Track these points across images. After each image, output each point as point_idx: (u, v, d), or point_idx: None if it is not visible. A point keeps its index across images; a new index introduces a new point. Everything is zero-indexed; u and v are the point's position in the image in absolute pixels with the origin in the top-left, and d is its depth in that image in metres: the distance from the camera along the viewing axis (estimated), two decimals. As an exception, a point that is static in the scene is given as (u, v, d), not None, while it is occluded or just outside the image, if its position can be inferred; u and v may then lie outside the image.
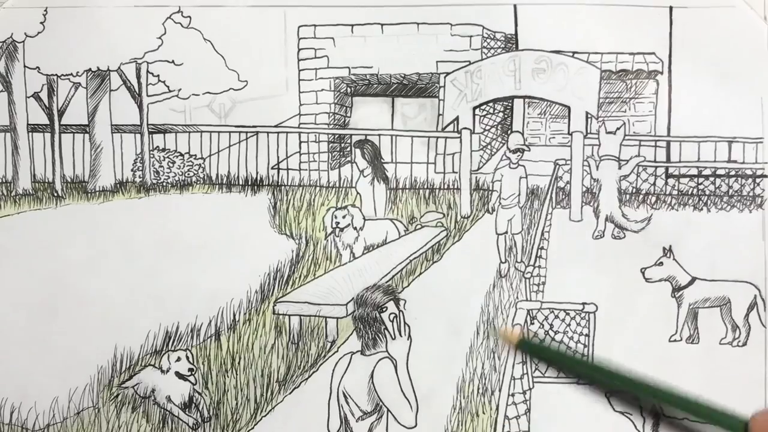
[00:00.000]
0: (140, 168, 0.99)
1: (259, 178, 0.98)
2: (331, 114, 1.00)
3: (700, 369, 0.91)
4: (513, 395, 0.90)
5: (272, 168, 0.98)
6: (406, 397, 0.87)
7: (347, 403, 0.88)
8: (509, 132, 0.99)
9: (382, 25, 0.96)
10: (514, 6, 0.94)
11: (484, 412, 0.91)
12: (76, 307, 0.93)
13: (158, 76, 0.97)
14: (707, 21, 0.94)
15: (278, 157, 0.98)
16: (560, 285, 0.93)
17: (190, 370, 0.92)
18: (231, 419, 0.92)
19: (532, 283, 0.95)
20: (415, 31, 0.95)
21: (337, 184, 0.99)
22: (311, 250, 0.98)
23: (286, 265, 0.97)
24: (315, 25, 0.96)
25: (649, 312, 0.92)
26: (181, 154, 0.98)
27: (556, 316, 0.93)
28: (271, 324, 0.95)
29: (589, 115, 0.97)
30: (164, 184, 0.98)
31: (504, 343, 0.92)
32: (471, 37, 0.96)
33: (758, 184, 0.94)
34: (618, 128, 0.96)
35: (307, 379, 0.93)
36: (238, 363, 0.93)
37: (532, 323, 0.93)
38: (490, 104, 0.99)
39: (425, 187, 0.99)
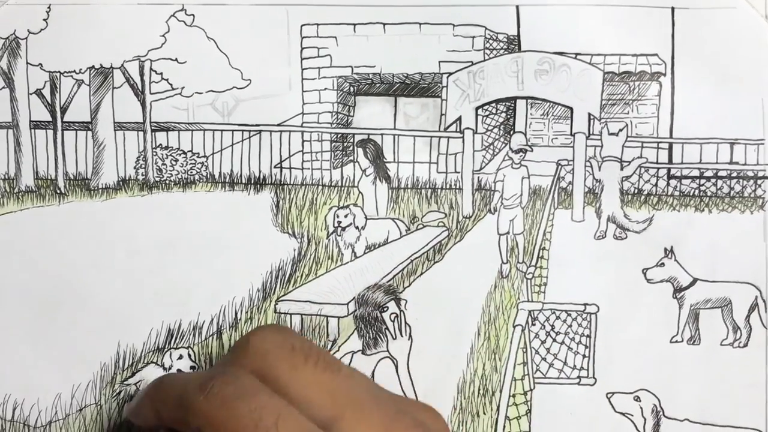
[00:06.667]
0: (143, 166, 0.99)
1: (261, 177, 0.98)
2: (333, 113, 1.00)
3: (701, 370, 0.91)
4: (514, 396, 0.90)
5: (275, 167, 0.98)
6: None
7: (348, 402, 0.87)
8: (512, 132, 0.98)
9: (384, 24, 0.95)
10: (517, 7, 0.94)
11: (484, 413, 0.91)
12: (78, 304, 0.93)
13: (161, 74, 0.97)
14: (709, 22, 0.94)
15: (281, 156, 0.98)
16: (562, 286, 0.93)
17: (192, 368, 0.93)
18: (232, 417, 0.92)
19: (533, 283, 0.95)
20: (418, 31, 0.95)
21: (340, 183, 0.99)
22: (313, 249, 0.98)
23: (288, 263, 0.97)
24: (318, 24, 0.96)
25: (650, 313, 0.92)
26: (184, 152, 0.98)
27: (558, 317, 0.93)
28: (272, 322, 0.95)
29: (591, 117, 0.97)
30: (167, 182, 0.98)
31: None
32: (473, 37, 0.96)
33: (759, 186, 0.94)
34: (620, 130, 0.96)
35: (308, 377, 0.93)
36: (240, 361, 0.93)
37: (533, 324, 0.93)
38: (493, 104, 0.99)
39: (427, 186, 0.99)
